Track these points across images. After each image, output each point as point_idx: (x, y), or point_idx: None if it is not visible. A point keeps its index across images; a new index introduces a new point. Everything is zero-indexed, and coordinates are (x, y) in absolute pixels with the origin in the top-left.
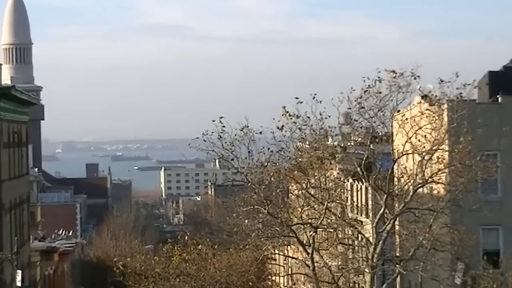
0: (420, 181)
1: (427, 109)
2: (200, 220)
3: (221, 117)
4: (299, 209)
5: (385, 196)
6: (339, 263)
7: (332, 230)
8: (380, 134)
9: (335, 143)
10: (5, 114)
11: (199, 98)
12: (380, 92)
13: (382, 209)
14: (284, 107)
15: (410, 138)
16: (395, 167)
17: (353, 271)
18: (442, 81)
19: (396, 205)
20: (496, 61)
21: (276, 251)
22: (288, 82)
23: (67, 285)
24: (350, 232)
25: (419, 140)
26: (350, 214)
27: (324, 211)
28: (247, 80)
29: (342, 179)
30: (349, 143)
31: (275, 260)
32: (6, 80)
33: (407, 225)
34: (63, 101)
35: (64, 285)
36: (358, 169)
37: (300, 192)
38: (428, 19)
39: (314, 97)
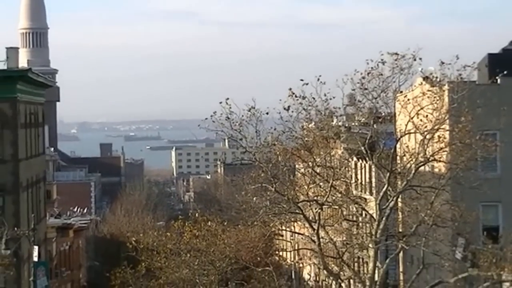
0: (422, 159)
1: (428, 90)
2: (210, 198)
3: (227, 99)
4: (305, 187)
5: (388, 174)
6: (344, 238)
7: (337, 207)
8: (383, 114)
9: (340, 123)
10: (22, 95)
11: (209, 81)
12: (382, 74)
13: (385, 187)
14: (290, 89)
15: (412, 118)
16: (398, 146)
17: (357, 247)
18: (442, 63)
19: (399, 182)
20: (496, 44)
21: (283, 228)
22: (294, 64)
23: (81, 260)
24: (354, 209)
25: (420, 120)
26: (354, 192)
27: (329, 188)
28: (255, 63)
29: (346, 157)
30: (353, 123)
31: (282, 236)
32: (23, 63)
33: (410, 202)
34: (78, 83)
35: (78, 260)
36: (362, 148)
37: (306, 171)
38: (429, 3)
39: (318, 79)
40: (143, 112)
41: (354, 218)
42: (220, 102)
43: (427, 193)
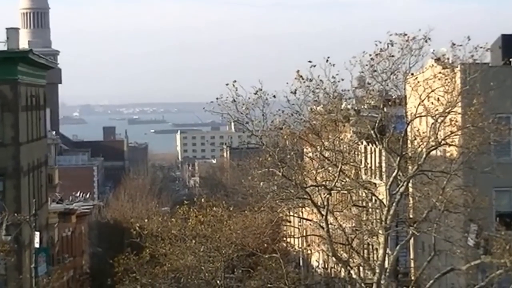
0: (433, 143)
1: (439, 72)
2: (216, 183)
3: (234, 81)
4: (314, 171)
5: (398, 158)
6: (353, 225)
7: (346, 192)
8: (393, 97)
9: (349, 106)
10: (23, 77)
11: (215, 62)
12: (392, 56)
13: (396, 172)
14: (297, 71)
15: (423, 100)
16: (408, 129)
17: (367, 233)
18: (454, 44)
19: (410, 167)
20: (509, 25)
21: (291, 213)
22: (301, 46)
23: (84, 246)
24: (364, 194)
25: (432, 103)
26: (364, 176)
27: (338, 173)
28: (262, 44)
29: (356, 141)
30: (362, 106)
31: (289, 222)
32: (24, 44)
33: (421, 187)
34: (80, 65)
35: (81, 246)
36: (372, 131)
37: (314, 155)
38: None
39: (327, 60)
40: (147, 95)
41: (364, 204)
42: (227, 84)
43: (438, 178)
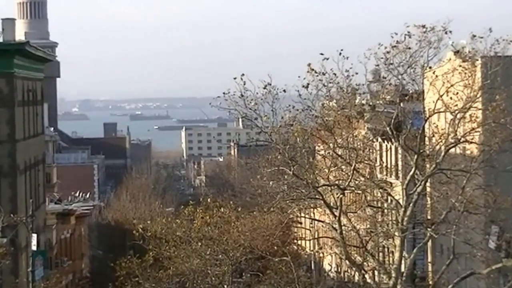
0: (452, 140)
1: (459, 65)
2: (223, 182)
3: (242, 75)
4: (326, 170)
5: (415, 156)
6: (368, 226)
7: (360, 192)
8: (410, 91)
9: (363, 101)
10: (19, 71)
11: (222, 56)
12: (409, 48)
13: (413, 170)
14: (309, 64)
15: (441, 95)
16: (426, 126)
17: (382, 235)
18: (474, 36)
19: (427, 165)
20: None
21: (302, 214)
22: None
23: (84, 249)
24: (379, 194)
25: (451, 98)
26: (379, 175)
27: (351, 172)
28: (272, 37)
29: (370, 138)
30: (377, 101)
31: (301, 223)
32: (20, 36)
33: (439, 187)
34: (80, 58)
35: (81, 249)
36: (388, 128)
37: (326, 152)
38: None
39: (340, 53)
40: (151, 89)
41: (379, 204)
42: (234, 78)
43: (458, 177)
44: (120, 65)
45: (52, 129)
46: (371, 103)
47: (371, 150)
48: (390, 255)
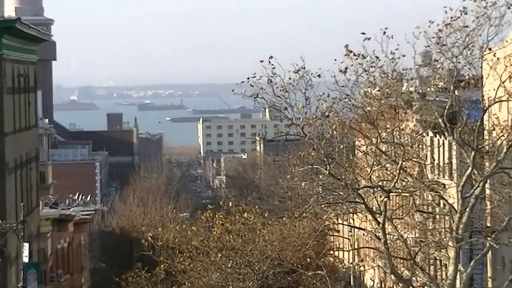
0: None
1: None
2: (246, 183)
3: (271, 57)
4: (368, 169)
5: (473, 153)
6: (417, 235)
7: (408, 194)
8: (466, 77)
9: (411, 89)
10: (8, 52)
11: (246, 35)
12: (466, 26)
13: (470, 169)
14: (346, 46)
15: (504, 82)
16: (486, 117)
17: (433, 245)
18: None
19: (487, 164)
20: None
21: (340, 221)
22: (353, 14)
23: (84, 261)
24: (430, 197)
25: None
26: (430, 175)
27: (398, 171)
28: (303, 14)
29: (420, 132)
30: (428, 89)
31: (338, 231)
32: (10, 12)
33: (500, 189)
34: (79, 38)
35: (80, 261)
36: (440, 120)
37: (368, 149)
38: None
39: (384, 33)
40: (162, 75)
41: (430, 209)
42: (261, 61)
43: None
44: (126, 46)
45: (47, 120)
46: (420, 91)
47: (420, 146)
48: (443, 268)
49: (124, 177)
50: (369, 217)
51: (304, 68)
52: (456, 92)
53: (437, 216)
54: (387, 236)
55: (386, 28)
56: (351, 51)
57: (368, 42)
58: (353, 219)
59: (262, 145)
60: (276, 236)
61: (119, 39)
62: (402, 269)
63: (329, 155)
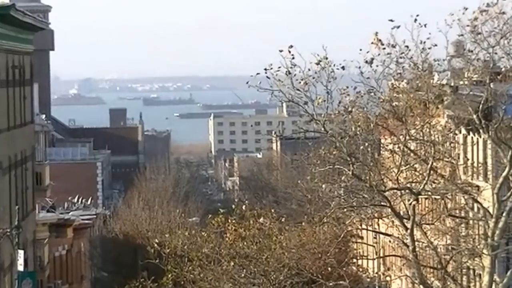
0: None
1: None
2: (262, 185)
3: (291, 46)
4: (395, 170)
5: (510, 152)
6: (448, 242)
7: (438, 197)
8: (503, 69)
9: (443, 82)
10: (2, 42)
11: (262, 21)
12: (503, 13)
13: (507, 170)
14: (375, 34)
15: None
16: None
17: (466, 253)
18: None
19: None
20: None
21: (364, 226)
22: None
23: (84, 269)
24: (462, 200)
25: None
26: (462, 177)
27: (428, 172)
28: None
29: (452, 129)
30: (461, 82)
31: (362, 238)
32: None
33: None
34: (80, 26)
35: (80, 270)
36: (474, 116)
37: (396, 147)
38: None
39: (415, 20)
40: (170, 67)
41: (463, 214)
42: (280, 51)
43: None
44: (130, 35)
45: (44, 116)
46: (453, 84)
47: (452, 144)
48: (477, 278)
49: (128, 178)
50: (396, 222)
51: (327, 58)
52: (492, 86)
53: (471, 221)
54: (416, 243)
55: (417, 15)
56: (380, 40)
57: (397, 30)
58: (379, 225)
59: (279, 143)
60: (294, 243)
61: (122, 27)
62: (432, 279)
63: (353, 154)
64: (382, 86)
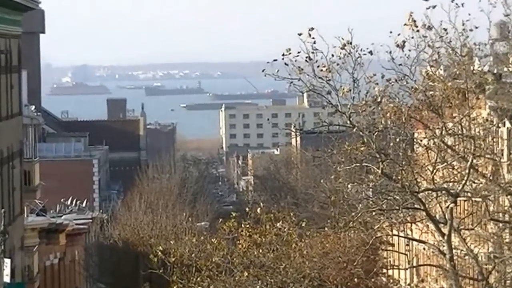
0: None
1: None
2: (279, 185)
3: (311, 29)
4: (430, 168)
5: None
6: (490, 249)
7: (479, 199)
8: None
9: (485, 68)
10: None
11: (279, 6)
12: None
13: None
14: (410, 14)
15: None
16: None
17: (510, 262)
18: None
19: None
20: None
21: (395, 232)
22: None
23: (79, 280)
24: (506, 202)
25: None
26: (506, 176)
27: (467, 170)
28: None
29: (494, 122)
30: (505, 68)
31: (392, 245)
32: None
33: None
34: (74, 6)
35: (74, 281)
36: None
37: (431, 142)
38: None
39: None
40: (175, 52)
41: (507, 218)
42: (299, 34)
43: None
44: (130, 16)
45: (33, 107)
46: (495, 71)
47: (495, 139)
48: None
49: (128, 178)
50: (432, 227)
51: (351, 43)
52: None
53: None
54: (454, 251)
55: None
56: (414, 21)
57: (433, 10)
58: (412, 230)
59: (299, 138)
60: (316, 250)
61: (121, 7)
62: None
63: (382, 151)
64: (416, 74)
